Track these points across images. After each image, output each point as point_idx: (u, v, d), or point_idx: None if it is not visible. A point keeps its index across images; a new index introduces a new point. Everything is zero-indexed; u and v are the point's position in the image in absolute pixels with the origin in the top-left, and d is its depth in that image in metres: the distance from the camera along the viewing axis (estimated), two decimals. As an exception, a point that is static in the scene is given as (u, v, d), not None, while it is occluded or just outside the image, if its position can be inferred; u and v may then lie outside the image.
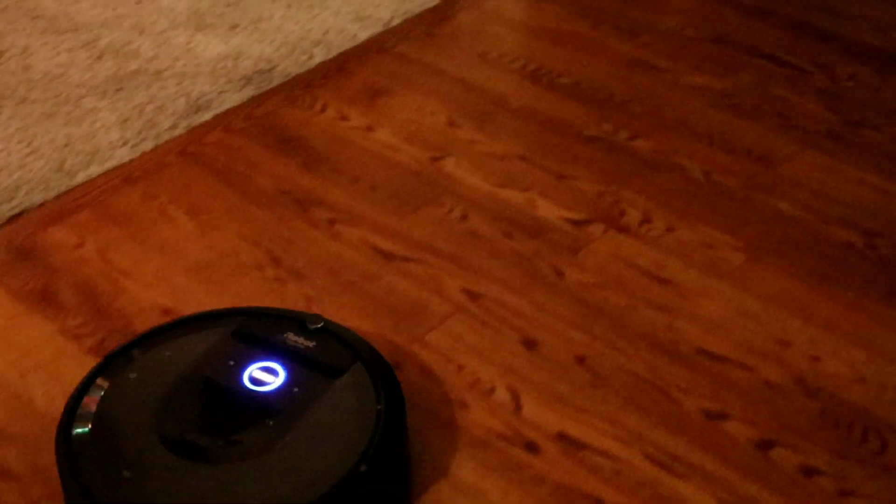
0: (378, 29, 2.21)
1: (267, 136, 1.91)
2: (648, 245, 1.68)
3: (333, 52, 2.13)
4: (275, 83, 2.04)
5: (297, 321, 1.37)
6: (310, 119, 1.95)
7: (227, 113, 1.96)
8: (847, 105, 1.98)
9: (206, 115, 1.95)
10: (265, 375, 1.30)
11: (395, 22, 2.23)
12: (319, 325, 1.36)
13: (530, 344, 1.51)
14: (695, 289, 1.60)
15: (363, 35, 2.19)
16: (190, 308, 1.54)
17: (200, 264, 1.63)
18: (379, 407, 1.26)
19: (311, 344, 1.34)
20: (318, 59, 2.11)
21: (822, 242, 1.68)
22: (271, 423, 1.25)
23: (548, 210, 1.74)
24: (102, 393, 1.29)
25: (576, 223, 1.72)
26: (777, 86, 2.04)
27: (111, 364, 1.33)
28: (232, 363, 1.31)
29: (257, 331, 1.36)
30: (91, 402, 1.28)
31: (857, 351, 1.50)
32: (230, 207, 1.74)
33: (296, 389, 1.28)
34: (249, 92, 2.01)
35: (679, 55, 2.13)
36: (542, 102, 2.00)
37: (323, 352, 1.33)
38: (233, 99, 1.99)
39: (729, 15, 2.26)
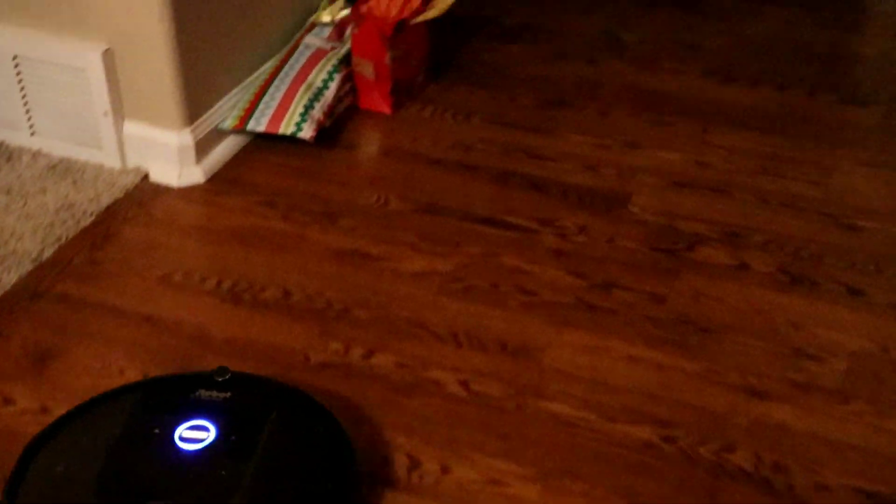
0: (27, 267, 1.80)
1: None
2: (425, 498, 1.39)
3: (-25, 310, 1.71)
4: None
5: (203, 378, 1.41)
6: (-39, 413, 1.52)
7: None
8: (587, 265, 1.79)
9: None
10: (196, 433, 1.33)
11: (48, 254, 1.83)
12: (228, 377, 1.40)
13: None
14: (496, 548, 1.32)
15: (9, 279, 1.77)
16: None
17: None
18: (321, 429, 1.35)
19: (226, 395, 1.38)
20: (-44, 324, 1.68)
21: (616, 447, 1.46)
22: (223, 473, 1.28)
23: (294, 478, 1.41)
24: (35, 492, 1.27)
25: (333, 489, 1.40)
26: (507, 254, 1.82)
27: (28, 463, 1.31)
28: (157, 430, 1.34)
29: (168, 396, 1.40)
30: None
31: (699, 586, 1.28)
32: None
33: (233, 437, 1.33)
34: None
35: (390, 236, 1.87)
36: (250, 328, 1.67)
37: (242, 398, 1.39)
38: None
39: (426, 176, 2.03)
